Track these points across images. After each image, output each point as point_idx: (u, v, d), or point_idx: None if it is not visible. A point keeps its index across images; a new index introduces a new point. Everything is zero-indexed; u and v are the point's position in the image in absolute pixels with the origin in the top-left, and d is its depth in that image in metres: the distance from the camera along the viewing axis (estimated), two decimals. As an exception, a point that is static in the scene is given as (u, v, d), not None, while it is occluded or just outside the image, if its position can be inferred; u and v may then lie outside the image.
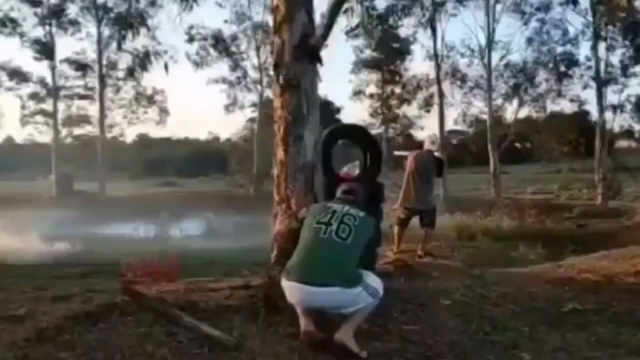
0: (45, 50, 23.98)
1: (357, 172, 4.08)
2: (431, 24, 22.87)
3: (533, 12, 22.53)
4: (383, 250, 4.79)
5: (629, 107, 23.27)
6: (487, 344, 2.96)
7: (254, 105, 27.46)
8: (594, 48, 21.36)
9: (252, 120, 28.90)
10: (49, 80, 24.91)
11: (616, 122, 23.53)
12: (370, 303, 2.86)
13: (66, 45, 37.00)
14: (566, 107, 25.00)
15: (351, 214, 2.99)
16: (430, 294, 3.74)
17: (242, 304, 3.33)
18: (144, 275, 3.34)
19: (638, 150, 32.05)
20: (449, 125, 26.46)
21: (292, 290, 2.86)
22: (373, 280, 2.93)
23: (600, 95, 21.25)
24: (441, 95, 23.81)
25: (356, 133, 4.37)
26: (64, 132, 27.05)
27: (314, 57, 3.64)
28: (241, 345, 2.75)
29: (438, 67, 23.47)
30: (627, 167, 23.87)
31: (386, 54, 25.63)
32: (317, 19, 3.74)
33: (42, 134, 27.40)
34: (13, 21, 23.30)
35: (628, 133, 29.37)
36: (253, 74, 26.45)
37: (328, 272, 2.78)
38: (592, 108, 23.51)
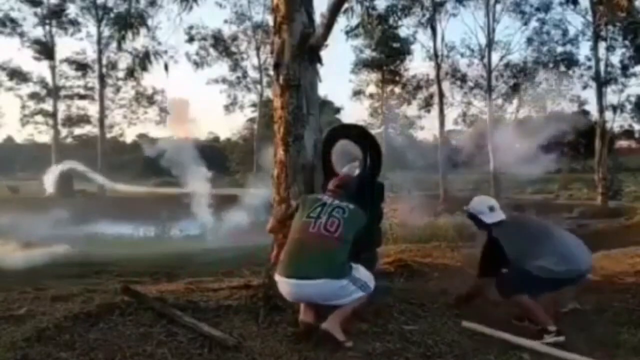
0: (45, 50, 24.01)
1: (357, 172, 4.07)
2: (431, 24, 22.92)
3: (533, 12, 22.61)
4: (382, 250, 4.79)
5: (629, 107, 23.33)
6: (487, 343, 2.96)
7: (254, 105, 27.53)
8: (594, 48, 21.39)
9: (252, 120, 28.94)
10: (49, 80, 25.01)
11: (616, 122, 23.58)
12: (360, 296, 2.90)
13: (66, 45, 37.05)
14: (566, 107, 25.06)
15: (341, 207, 3.03)
16: (430, 294, 3.74)
17: (242, 304, 3.34)
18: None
19: (638, 150, 32.05)
20: (449, 126, 26.50)
21: (281, 284, 2.92)
22: (362, 273, 2.97)
23: (600, 95, 21.26)
24: (441, 95, 23.85)
25: (356, 133, 4.37)
26: (64, 132, 27.10)
27: (314, 57, 3.64)
28: (241, 345, 2.75)
29: (438, 67, 23.50)
30: (627, 167, 23.88)
31: (386, 54, 25.64)
32: (317, 19, 3.74)
33: (42, 134, 27.49)
34: (13, 21, 23.37)
35: (628, 133, 29.36)
36: (253, 74, 26.54)
37: (314, 265, 2.83)
38: (592, 108, 23.56)
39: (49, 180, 20.78)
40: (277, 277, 2.93)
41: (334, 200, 3.08)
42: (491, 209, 3.41)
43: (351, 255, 2.95)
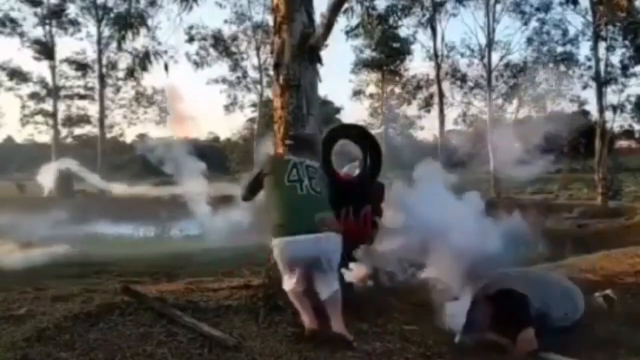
0: (45, 50, 23.99)
1: (357, 172, 4.07)
2: (431, 24, 22.95)
3: (533, 12, 22.63)
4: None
5: (629, 107, 23.34)
6: (487, 343, 2.96)
7: (254, 105, 27.50)
8: (594, 48, 21.39)
9: (252, 120, 28.93)
10: (49, 80, 24.99)
11: (616, 122, 23.59)
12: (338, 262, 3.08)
13: (66, 45, 37.09)
14: (566, 107, 25.08)
15: (311, 166, 3.17)
16: (431, 294, 3.74)
17: (242, 304, 3.33)
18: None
19: (638, 150, 32.05)
20: (449, 126, 26.52)
21: (285, 245, 2.97)
22: None
23: (600, 95, 21.26)
24: (441, 95, 23.88)
25: (356, 133, 4.36)
26: (64, 132, 27.11)
27: (314, 57, 3.63)
28: (241, 345, 2.75)
29: (438, 67, 23.53)
30: (627, 167, 23.88)
31: (386, 54, 25.65)
32: (317, 19, 3.74)
33: (42, 134, 27.48)
34: (13, 21, 23.35)
35: (628, 133, 29.37)
36: (253, 74, 26.51)
37: (316, 222, 2.97)
38: (592, 108, 23.57)
39: (45, 179, 20.78)
40: (280, 239, 2.98)
41: (300, 159, 3.16)
42: None
43: None
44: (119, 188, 21.06)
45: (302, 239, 2.92)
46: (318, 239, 2.93)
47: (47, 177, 20.76)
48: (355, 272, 3.95)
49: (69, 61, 25.22)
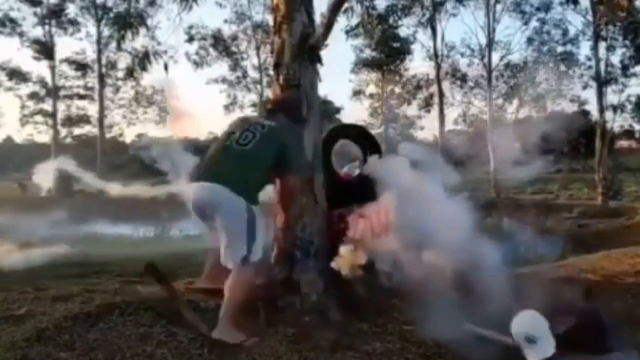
0: (45, 50, 23.99)
1: (357, 172, 4.07)
2: (431, 24, 22.96)
3: (533, 12, 22.65)
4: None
5: (629, 107, 23.34)
6: (488, 343, 2.96)
7: (254, 105, 27.47)
8: (594, 48, 21.39)
9: (252, 120, 28.87)
10: (48, 80, 24.99)
11: (616, 122, 23.61)
12: (239, 267, 2.70)
13: (66, 45, 36.94)
14: (566, 107, 25.10)
15: (261, 123, 2.92)
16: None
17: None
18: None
19: (638, 150, 32.06)
20: (449, 126, 26.53)
21: (190, 191, 2.85)
22: (258, 234, 2.76)
23: (600, 95, 21.27)
24: (441, 95, 23.88)
25: (356, 133, 4.36)
26: (63, 132, 27.12)
27: (314, 57, 3.63)
28: (241, 345, 2.75)
29: (438, 67, 23.54)
30: (627, 167, 23.87)
31: (386, 53, 25.66)
32: (317, 19, 3.74)
33: (41, 134, 27.50)
34: (13, 21, 23.34)
35: (628, 133, 29.39)
36: (253, 74, 26.53)
37: (221, 174, 2.75)
38: (593, 108, 23.58)
39: (41, 178, 20.73)
40: (188, 186, 2.88)
41: (259, 119, 3.00)
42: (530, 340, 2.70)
43: (261, 184, 2.85)
44: (115, 188, 21.02)
45: (196, 185, 2.79)
46: (203, 187, 2.75)
47: (43, 176, 20.71)
48: (343, 259, 3.83)
49: (69, 61, 25.25)
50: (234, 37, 25.76)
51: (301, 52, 3.54)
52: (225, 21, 26.08)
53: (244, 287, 2.80)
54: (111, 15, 23.52)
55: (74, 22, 24.33)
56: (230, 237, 2.74)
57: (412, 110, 27.98)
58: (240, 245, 2.71)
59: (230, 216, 2.72)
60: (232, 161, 2.80)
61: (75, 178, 21.82)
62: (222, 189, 2.70)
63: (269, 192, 3.74)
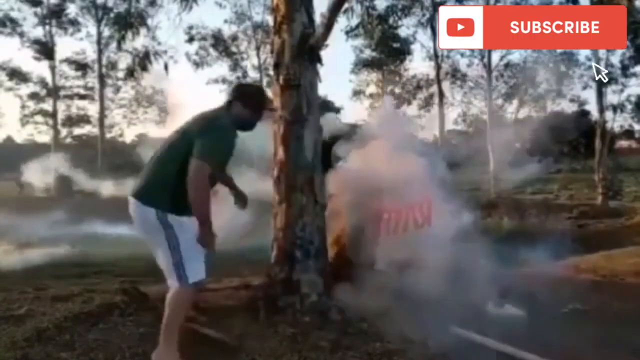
0: (45, 50, 23.97)
1: None
2: (431, 24, 22.89)
3: (533, 12, 22.58)
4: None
5: (629, 107, 23.33)
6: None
7: (253, 105, 27.43)
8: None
9: (252, 120, 28.84)
10: (48, 80, 24.94)
11: (616, 122, 23.58)
12: (176, 288, 2.32)
13: (66, 45, 37.06)
14: (566, 107, 25.07)
15: (192, 120, 2.51)
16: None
17: (242, 304, 3.33)
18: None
19: (638, 150, 32.04)
20: (449, 125, 26.52)
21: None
22: (187, 241, 2.30)
23: (600, 95, 21.26)
24: (441, 95, 23.84)
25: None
26: (63, 132, 27.08)
27: (314, 57, 3.63)
28: (241, 345, 2.75)
29: (438, 67, 23.50)
30: (627, 167, 23.85)
31: (386, 54, 25.61)
32: (317, 19, 3.74)
33: (41, 134, 27.47)
34: (13, 21, 23.31)
35: (628, 133, 29.34)
36: (253, 74, 26.46)
37: (137, 185, 2.44)
38: (593, 108, 23.56)
39: (34, 177, 20.74)
40: None
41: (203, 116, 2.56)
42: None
43: (175, 190, 2.28)
44: (109, 188, 21.00)
45: (128, 200, 2.44)
46: (131, 203, 2.40)
47: (35, 175, 20.72)
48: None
49: (69, 61, 25.19)
50: (234, 38, 25.74)
51: (301, 52, 3.55)
52: (225, 21, 26.12)
53: (184, 308, 2.45)
54: (111, 15, 23.50)
55: (74, 22, 24.31)
56: (156, 255, 2.42)
57: (412, 110, 27.95)
58: (167, 266, 2.35)
59: (144, 232, 2.40)
60: (147, 167, 2.48)
61: (72, 178, 21.83)
62: (133, 202, 2.39)
63: (268, 192, 3.75)
